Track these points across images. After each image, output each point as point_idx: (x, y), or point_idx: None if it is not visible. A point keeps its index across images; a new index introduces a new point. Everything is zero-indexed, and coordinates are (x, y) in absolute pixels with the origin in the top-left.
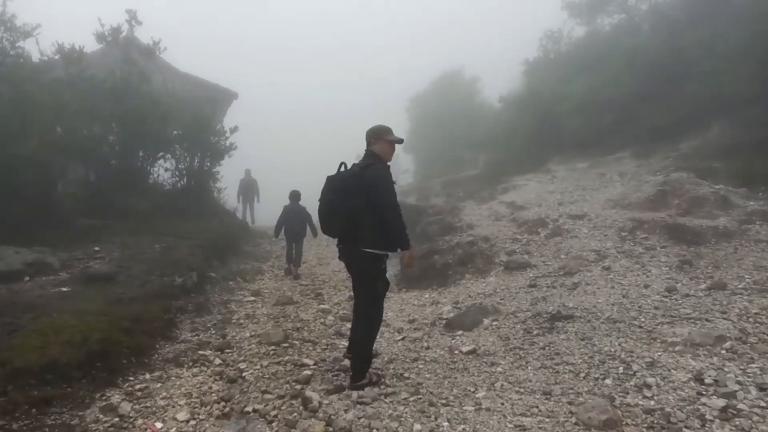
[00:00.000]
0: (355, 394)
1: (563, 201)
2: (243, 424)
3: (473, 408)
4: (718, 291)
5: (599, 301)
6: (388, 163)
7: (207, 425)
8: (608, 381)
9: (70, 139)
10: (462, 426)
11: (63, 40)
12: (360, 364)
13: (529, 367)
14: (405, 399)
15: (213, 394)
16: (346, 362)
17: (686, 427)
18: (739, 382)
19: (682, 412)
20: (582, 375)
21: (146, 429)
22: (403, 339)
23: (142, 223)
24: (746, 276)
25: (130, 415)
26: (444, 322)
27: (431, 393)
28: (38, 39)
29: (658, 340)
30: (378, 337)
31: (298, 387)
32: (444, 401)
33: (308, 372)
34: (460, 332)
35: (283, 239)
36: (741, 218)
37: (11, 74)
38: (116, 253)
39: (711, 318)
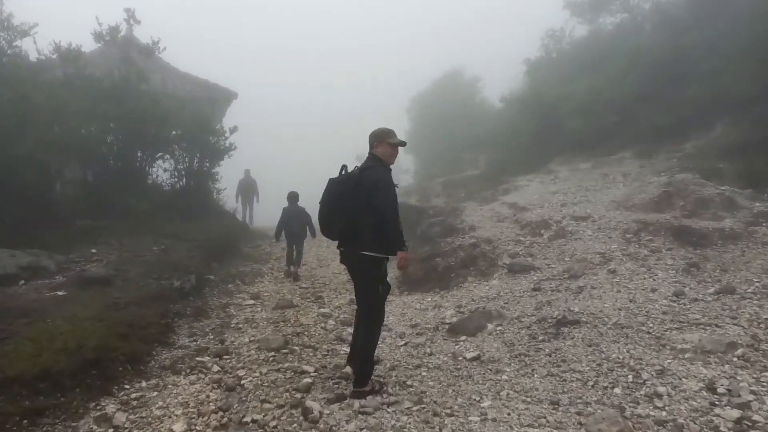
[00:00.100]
0: (357, 403)
1: (566, 202)
2: None
3: (479, 418)
4: (727, 295)
5: (606, 305)
6: (390, 166)
7: None
8: (617, 390)
9: (68, 139)
10: None
11: (61, 40)
12: (362, 368)
13: (536, 375)
14: (408, 409)
15: (211, 404)
16: (348, 369)
17: None
18: (753, 392)
19: (696, 424)
20: (590, 383)
21: None
22: (405, 344)
23: (140, 224)
24: (755, 280)
25: (125, 426)
26: (447, 326)
27: (435, 402)
28: (36, 38)
29: (668, 347)
30: (380, 342)
31: (299, 396)
32: (448, 411)
33: (308, 380)
34: (463, 338)
35: (284, 241)
36: (747, 220)
37: (8, 74)
38: (113, 256)
39: (721, 324)
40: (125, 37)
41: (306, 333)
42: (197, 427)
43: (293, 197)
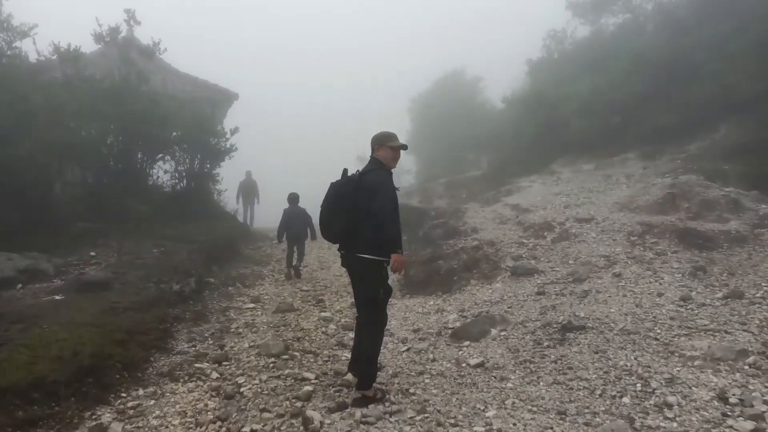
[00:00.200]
0: (358, 412)
1: (569, 204)
2: None
3: (483, 429)
4: (736, 300)
5: (611, 310)
6: (392, 170)
7: None
8: (626, 399)
9: (67, 140)
10: None
11: (61, 40)
12: (366, 371)
13: (541, 383)
14: (411, 418)
15: (209, 413)
16: (349, 377)
17: None
18: (766, 402)
19: None
20: (598, 392)
21: None
22: (407, 350)
23: (140, 226)
24: (763, 284)
25: None
26: (450, 331)
27: (438, 411)
28: (35, 39)
29: (676, 354)
30: (382, 347)
31: (299, 404)
32: (452, 421)
33: (309, 387)
34: (467, 343)
35: (285, 242)
36: (753, 222)
37: (8, 75)
38: (113, 259)
39: (730, 330)
40: (125, 38)
41: (307, 338)
42: None
43: (294, 198)
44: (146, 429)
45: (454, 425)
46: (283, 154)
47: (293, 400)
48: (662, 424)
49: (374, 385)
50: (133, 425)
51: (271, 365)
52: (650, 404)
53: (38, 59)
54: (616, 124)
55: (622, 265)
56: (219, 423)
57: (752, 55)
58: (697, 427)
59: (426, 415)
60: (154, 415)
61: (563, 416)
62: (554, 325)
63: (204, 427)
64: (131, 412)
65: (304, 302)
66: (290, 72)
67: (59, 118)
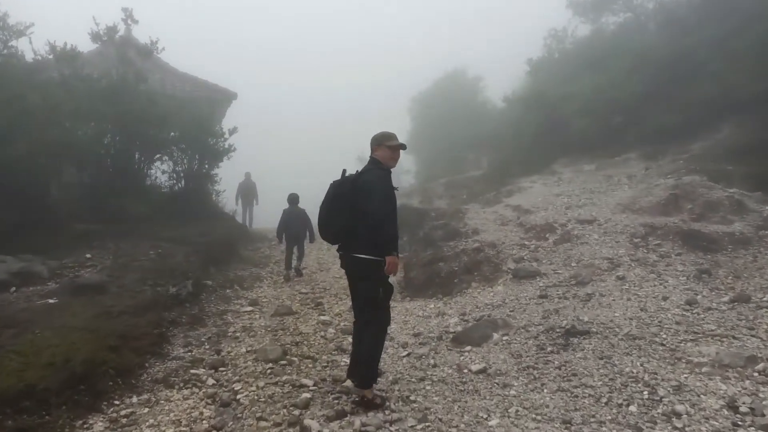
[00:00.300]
0: (357, 421)
1: (571, 205)
2: None
3: None
4: (742, 304)
5: (616, 314)
6: (391, 169)
7: None
8: (633, 408)
9: (64, 140)
10: None
11: (58, 40)
12: (367, 371)
13: (545, 390)
14: (412, 427)
15: (204, 421)
16: (348, 383)
17: None
18: None
19: None
20: (603, 400)
21: None
22: (408, 355)
23: (137, 227)
24: None
25: None
26: (451, 336)
27: (440, 420)
28: (32, 38)
29: (683, 360)
30: (382, 353)
31: (297, 413)
32: (454, 430)
33: (307, 395)
34: (468, 348)
35: (284, 243)
36: (757, 224)
37: (4, 74)
38: (108, 261)
39: (738, 335)
40: (123, 37)
41: (305, 342)
42: None
43: (293, 199)
44: None
45: None
46: (282, 155)
47: (291, 408)
48: None
49: (375, 392)
50: None
51: (269, 371)
52: (658, 413)
53: (35, 58)
54: (618, 123)
55: (626, 268)
56: None
57: (754, 55)
58: None
59: (427, 423)
60: (147, 423)
61: (568, 425)
62: (557, 330)
63: None
64: (124, 420)
65: (302, 305)
66: (290, 72)
67: (56, 118)
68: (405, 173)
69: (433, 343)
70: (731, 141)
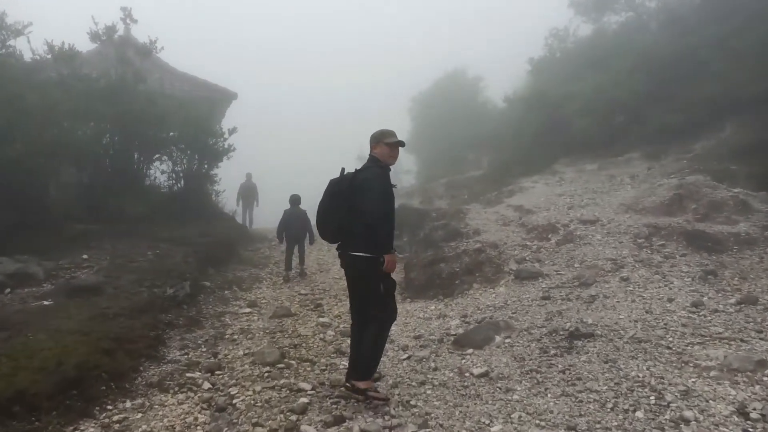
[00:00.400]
0: (356, 427)
1: (573, 205)
2: None
3: None
4: (750, 306)
5: (621, 317)
6: (390, 167)
7: None
8: (639, 414)
9: (62, 139)
10: None
11: (57, 39)
12: (366, 367)
13: (549, 395)
14: None
15: (198, 427)
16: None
17: None
18: None
19: None
20: (609, 406)
21: None
22: (408, 358)
23: (136, 227)
24: None
25: None
26: (452, 338)
27: (441, 426)
28: (30, 38)
29: (691, 364)
30: (382, 355)
31: (294, 418)
32: None
33: (305, 399)
34: (470, 351)
35: (284, 243)
36: (762, 224)
37: (2, 73)
38: (105, 262)
39: (746, 338)
40: (122, 37)
41: (304, 345)
42: None
43: (295, 200)
44: None
45: None
46: (282, 155)
47: (288, 414)
48: None
49: (373, 393)
50: None
51: (266, 375)
52: (666, 419)
53: (33, 58)
54: (620, 123)
55: (630, 269)
56: None
57: (756, 54)
58: None
59: (428, 429)
60: (140, 429)
61: None
62: (561, 332)
63: None
64: (116, 426)
65: (302, 307)
66: (290, 72)
67: (54, 118)
68: (405, 173)
69: (434, 346)
70: (735, 140)
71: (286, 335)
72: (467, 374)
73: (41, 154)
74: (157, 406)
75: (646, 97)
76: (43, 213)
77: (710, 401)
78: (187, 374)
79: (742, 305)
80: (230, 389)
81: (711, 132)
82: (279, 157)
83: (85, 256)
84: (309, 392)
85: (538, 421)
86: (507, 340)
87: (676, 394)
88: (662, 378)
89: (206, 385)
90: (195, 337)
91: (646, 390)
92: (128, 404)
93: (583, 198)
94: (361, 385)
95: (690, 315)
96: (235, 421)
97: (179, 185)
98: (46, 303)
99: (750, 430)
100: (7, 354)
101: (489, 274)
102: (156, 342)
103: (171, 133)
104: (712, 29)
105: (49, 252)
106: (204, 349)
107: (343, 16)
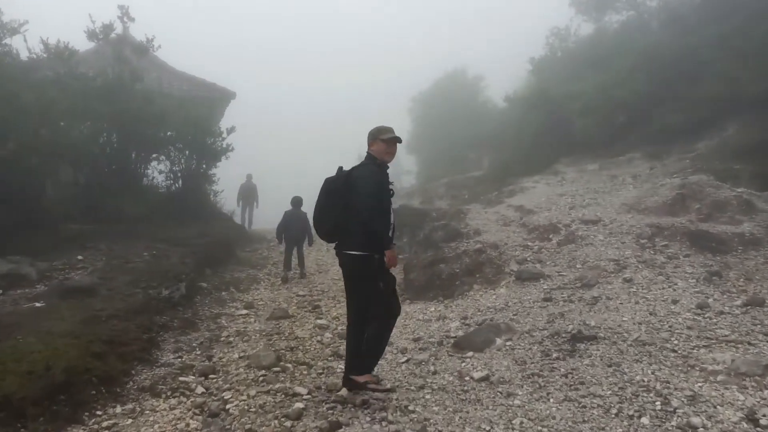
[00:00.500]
0: None
1: (574, 205)
2: None
3: None
4: (756, 308)
5: (624, 319)
6: (388, 164)
7: None
8: (645, 420)
9: (59, 139)
10: None
11: (53, 38)
12: (365, 362)
13: (551, 400)
14: None
15: None
16: (343, 392)
17: None
18: None
19: None
20: (613, 411)
21: None
22: (407, 361)
23: (133, 227)
24: None
25: None
26: (452, 341)
27: None
28: (26, 36)
29: (697, 368)
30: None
31: (288, 424)
32: None
33: (300, 404)
34: (470, 354)
35: (283, 244)
36: (767, 224)
37: None
38: (100, 263)
39: (754, 341)
40: (119, 36)
41: (301, 347)
42: None
43: (297, 202)
44: None
45: None
46: (282, 155)
47: (282, 419)
48: None
49: (371, 396)
50: None
51: (261, 379)
52: (672, 425)
53: (29, 57)
54: (621, 123)
55: (633, 270)
56: None
57: (758, 53)
58: None
59: None
60: None
61: None
62: (563, 335)
63: None
64: None
65: (299, 308)
66: (290, 72)
67: (51, 117)
68: (406, 173)
69: (434, 349)
70: (737, 140)
71: (283, 338)
72: (467, 378)
73: (38, 154)
74: (148, 412)
75: (648, 96)
76: (40, 213)
77: (718, 407)
78: (180, 378)
79: (749, 307)
80: (224, 394)
81: (713, 131)
82: (279, 157)
83: (80, 257)
84: (305, 397)
85: (540, 428)
86: (508, 343)
87: (682, 399)
88: (668, 382)
89: (199, 390)
90: (189, 340)
91: (652, 395)
92: (118, 409)
93: (585, 198)
94: (361, 379)
95: (695, 317)
96: (228, 427)
97: (177, 185)
98: (38, 305)
99: None
100: None
101: (489, 275)
102: (149, 345)
103: (169, 133)
104: (714, 28)
105: (45, 252)
106: (198, 352)
107: (343, 16)
